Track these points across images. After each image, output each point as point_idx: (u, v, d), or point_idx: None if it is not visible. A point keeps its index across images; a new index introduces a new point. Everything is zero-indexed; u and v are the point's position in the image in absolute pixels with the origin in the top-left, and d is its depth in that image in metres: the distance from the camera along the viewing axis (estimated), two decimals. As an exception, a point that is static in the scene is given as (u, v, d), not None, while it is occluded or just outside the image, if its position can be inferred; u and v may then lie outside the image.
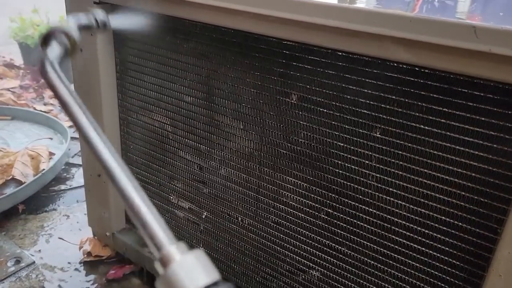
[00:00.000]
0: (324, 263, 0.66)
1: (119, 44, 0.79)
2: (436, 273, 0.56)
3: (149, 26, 0.70)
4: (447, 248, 0.54)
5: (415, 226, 0.56)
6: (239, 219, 0.75)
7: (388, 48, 0.48)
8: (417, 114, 0.51)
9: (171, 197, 0.84)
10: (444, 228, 0.53)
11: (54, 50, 0.47)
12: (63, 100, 0.40)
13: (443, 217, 0.53)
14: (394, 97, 0.52)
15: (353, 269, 0.64)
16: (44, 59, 0.44)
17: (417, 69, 0.49)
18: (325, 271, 0.67)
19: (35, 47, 1.96)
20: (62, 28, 0.50)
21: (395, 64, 0.51)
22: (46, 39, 0.48)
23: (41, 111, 1.62)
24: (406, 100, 0.52)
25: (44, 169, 1.16)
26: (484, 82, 0.46)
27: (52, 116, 1.57)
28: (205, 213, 0.80)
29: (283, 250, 0.71)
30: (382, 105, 0.54)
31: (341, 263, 0.65)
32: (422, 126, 0.51)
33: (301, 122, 0.62)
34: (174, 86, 0.74)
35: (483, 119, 0.47)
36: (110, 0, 0.73)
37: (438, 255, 0.55)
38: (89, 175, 0.91)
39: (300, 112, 0.61)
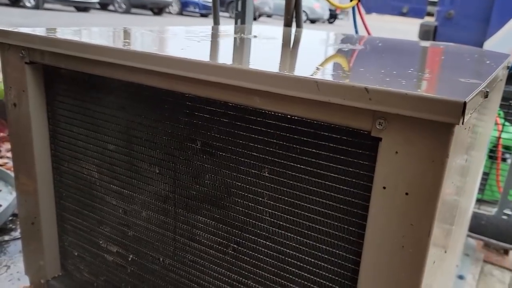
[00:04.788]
0: (235, 297, 0.70)
1: (51, 99, 0.85)
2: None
3: None
4: (327, 273, 0.60)
5: (303, 256, 0.61)
6: (160, 259, 0.79)
7: (255, 100, 0.56)
8: (294, 155, 0.59)
9: (101, 242, 0.87)
10: (325, 255, 0.59)
11: None
12: None
13: (323, 246, 0.59)
14: (275, 140, 0.60)
15: (260, 302, 0.68)
16: None
17: (289, 116, 0.57)
18: (237, 305, 0.71)
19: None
20: None
21: (272, 113, 0.59)
22: None
23: (-5, 164, 1.65)
24: (285, 143, 0.59)
25: (-13, 220, 1.18)
26: (336, 126, 0.54)
27: (5, 169, 1.60)
28: (131, 256, 0.83)
29: None
30: (267, 148, 0.61)
31: (249, 296, 0.69)
32: (298, 165, 0.59)
33: (205, 165, 0.68)
34: (98, 135, 0.80)
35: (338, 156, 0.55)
36: (41, 60, 0.80)
37: (320, 280, 0.60)
38: (24, 224, 0.94)
39: (204, 156, 0.68)
